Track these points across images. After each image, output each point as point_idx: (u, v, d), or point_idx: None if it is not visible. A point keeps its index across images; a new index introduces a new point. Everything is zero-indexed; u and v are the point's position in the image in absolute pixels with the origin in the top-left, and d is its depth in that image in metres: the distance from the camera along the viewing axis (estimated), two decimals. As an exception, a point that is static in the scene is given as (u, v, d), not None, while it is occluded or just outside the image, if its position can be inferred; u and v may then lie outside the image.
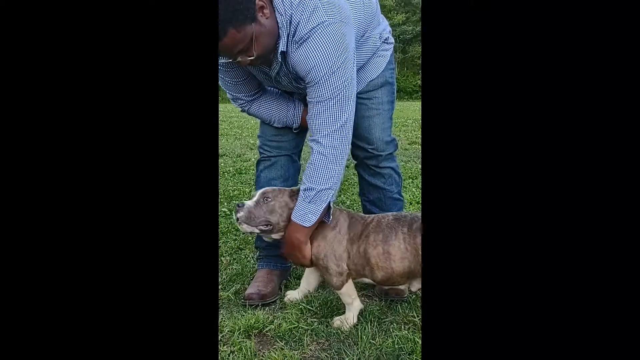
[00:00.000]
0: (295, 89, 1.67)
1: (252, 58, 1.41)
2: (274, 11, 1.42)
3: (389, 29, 1.83)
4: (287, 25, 1.43)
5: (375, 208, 1.96)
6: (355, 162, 1.99)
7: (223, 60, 1.51)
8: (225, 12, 1.28)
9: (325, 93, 1.47)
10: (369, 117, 1.81)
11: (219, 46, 1.34)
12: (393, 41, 1.86)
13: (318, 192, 1.53)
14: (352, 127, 1.55)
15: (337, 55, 1.44)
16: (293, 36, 1.45)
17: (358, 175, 2.00)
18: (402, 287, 1.67)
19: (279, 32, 1.44)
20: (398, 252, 1.52)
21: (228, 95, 1.76)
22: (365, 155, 1.87)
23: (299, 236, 1.57)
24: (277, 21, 1.42)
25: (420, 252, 1.47)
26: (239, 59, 1.41)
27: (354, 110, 1.54)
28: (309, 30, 1.42)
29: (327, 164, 1.52)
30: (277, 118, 1.77)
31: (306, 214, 1.54)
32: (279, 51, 1.46)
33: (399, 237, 1.52)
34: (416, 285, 1.58)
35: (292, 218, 1.57)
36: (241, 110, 1.81)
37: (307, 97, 1.53)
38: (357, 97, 1.79)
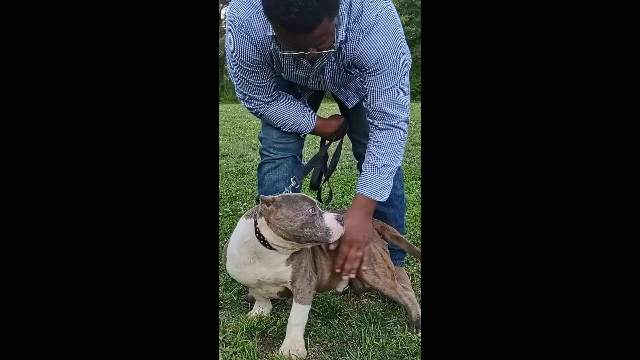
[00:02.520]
0: (331, 81, 1.63)
1: (327, 51, 1.39)
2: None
3: None
4: (346, 13, 1.41)
5: (379, 205, 1.94)
6: (358, 160, 1.97)
7: (248, 62, 1.49)
8: (323, 2, 1.23)
9: (393, 80, 1.50)
10: None
11: (302, 37, 1.29)
12: None
13: (394, 169, 1.60)
14: None
15: (402, 40, 1.49)
16: (355, 24, 1.43)
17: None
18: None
19: (338, 21, 1.41)
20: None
21: (240, 96, 1.71)
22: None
23: (370, 212, 1.60)
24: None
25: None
26: (310, 50, 1.36)
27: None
28: (374, 16, 1.41)
29: (402, 146, 1.61)
30: (291, 123, 1.75)
31: (383, 188, 1.58)
32: (338, 41, 1.43)
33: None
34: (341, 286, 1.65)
35: (361, 192, 1.58)
36: (250, 111, 1.77)
37: (370, 83, 1.52)
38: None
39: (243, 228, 1.46)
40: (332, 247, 1.54)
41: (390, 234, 1.72)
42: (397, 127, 1.57)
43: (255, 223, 1.40)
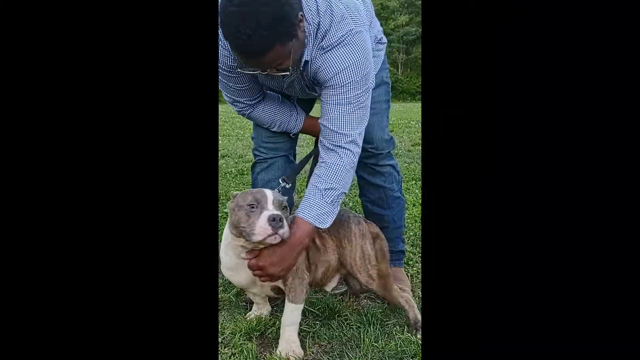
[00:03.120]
0: (304, 95, 1.65)
1: (285, 73, 1.39)
2: (304, 21, 1.39)
3: (381, 29, 1.83)
4: (314, 33, 1.42)
5: (376, 208, 1.93)
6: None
7: (224, 67, 1.49)
8: (271, 30, 1.24)
9: (347, 98, 1.46)
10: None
11: (254, 62, 1.31)
12: (386, 41, 1.86)
13: (340, 194, 1.49)
14: None
15: (365, 62, 1.45)
16: (320, 42, 1.43)
17: (357, 176, 1.95)
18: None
19: (305, 42, 1.41)
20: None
21: (226, 99, 1.73)
22: (364, 154, 1.81)
23: (307, 239, 1.46)
24: (305, 32, 1.39)
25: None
26: (268, 71, 1.38)
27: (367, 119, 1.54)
28: (339, 37, 1.41)
29: (350, 169, 1.51)
30: (279, 123, 1.75)
31: (325, 215, 1.46)
32: (303, 60, 1.44)
33: None
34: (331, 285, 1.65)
35: (302, 217, 1.44)
36: (239, 113, 1.78)
37: (325, 100, 1.49)
38: None
39: (227, 229, 1.44)
40: (247, 256, 1.41)
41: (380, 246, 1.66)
42: (345, 148, 1.48)
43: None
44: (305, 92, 1.62)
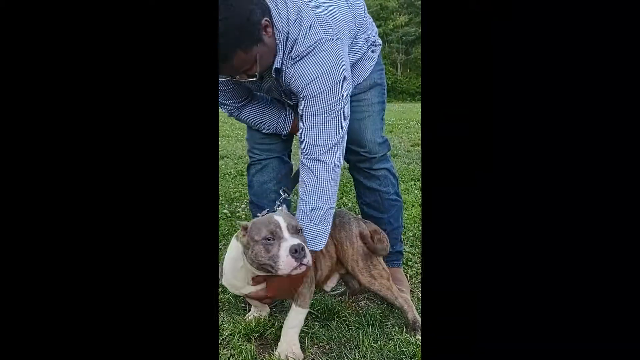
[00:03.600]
0: (285, 98, 1.65)
1: (253, 79, 1.40)
2: (274, 28, 1.40)
3: (375, 30, 1.82)
4: (284, 42, 1.42)
5: (373, 211, 1.92)
6: (349, 166, 1.96)
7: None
8: (231, 34, 1.25)
9: (324, 108, 1.43)
10: (360, 120, 1.76)
11: (221, 67, 1.32)
12: (380, 42, 1.84)
13: (326, 211, 1.46)
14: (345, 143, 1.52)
15: (336, 71, 1.42)
16: (289, 53, 1.43)
17: (353, 179, 1.95)
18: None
19: (276, 49, 1.42)
20: None
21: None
22: (358, 158, 1.82)
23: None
24: (275, 38, 1.41)
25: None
26: (238, 77, 1.40)
27: (347, 126, 1.51)
28: (307, 47, 1.41)
29: (331, 181, 1.46)
30: (267, 125, 1.75)
31: (317, 237, 1.44)
32: (273, 68, 1.44)
33: None
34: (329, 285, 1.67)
35: None
36: (229, 116, 1.78)
37: (300, 111, 1.49)
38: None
39: (235, 252, 1.41)
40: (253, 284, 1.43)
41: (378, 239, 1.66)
42: (319, 161, 1.45)
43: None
44: (285, 97, 1.61)
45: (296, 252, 1.23)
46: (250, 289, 1.45)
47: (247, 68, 1.36)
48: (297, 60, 1.42)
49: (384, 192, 1.88)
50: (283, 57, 1.44)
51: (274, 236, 1.26)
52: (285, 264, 1.24)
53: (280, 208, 1.49)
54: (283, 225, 1.28)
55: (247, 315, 1.67)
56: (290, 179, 1.76)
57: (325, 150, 1.45)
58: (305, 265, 1.25)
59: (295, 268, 1.24)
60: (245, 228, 1.33)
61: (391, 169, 1.91)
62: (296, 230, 1.30)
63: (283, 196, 1.58)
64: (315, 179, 1.45)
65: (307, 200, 1.45)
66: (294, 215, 1.46)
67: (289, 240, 1.25)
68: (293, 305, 1.47)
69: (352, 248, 1.59)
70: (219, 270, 1.49)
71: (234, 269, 1.43)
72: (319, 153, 1.45)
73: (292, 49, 1.42)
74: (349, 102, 1.50)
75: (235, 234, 1.43)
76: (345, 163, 1.93)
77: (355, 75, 1.74)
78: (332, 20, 1.46)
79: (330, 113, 1.44)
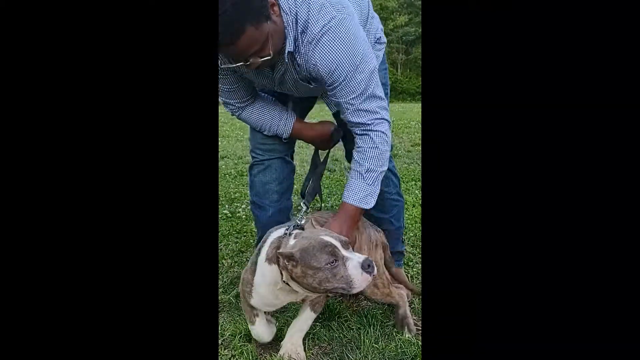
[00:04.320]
0: (297, 90, 1.63)
1: (267, 58, 1.35)
2: (280, 9, 1.38)
3: (381, 27, 1.81)
4: (293, 24, 1.39)
5: (374, 211, 1.87)
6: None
7: (223, 66, 1.49)
8: (239, 10, 1.22)
9: (354, 90, 1.46)
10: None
11: (230, 49, 1.29)
12: (385, 40, 1.84)
13: (379, 173, 1.55)
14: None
15: (356, 48, 1.42)
16: (303, 35, 1.41)
17: None
18: None
19: (284, 32, 1.40)
20: None
21: (220, 100, 1.71)
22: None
23: (356, 219, 1.56)
24: (282, 20, 1.38)
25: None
26: (251, 60, 1.35)
27: (382, 89, 1.54)
28: (320, 27, 1.38)
29: (386, 145, 1.54)
30: (268, 127, 1.74)
31: (367, 196, 1.54)
32: (286, 52, 1.42)
33: None
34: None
35: (346, 201, 1.53)
36: (231, 114, 1.78)
37: (336, 98, 1.50)
38: None
39: (270, 275, 1.34)
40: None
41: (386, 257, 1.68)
42: (374, 131, 1.52)
43: (281, 273, 1.28)
44: (300, 86, 1.59)
45: (369, 267, 1.20)
46: (290, 299, 1.41)
47: (259, 49, 1.33)
48: (315, 44, 1.40)
49: (386, 192, 1.88)
50: (295, 40, 1.42)
51: (336, 258, 1.20)
52: (362, 281, 1.20)
53: (303, 221, 1.44)
54: (337, 244, 1.23)
55: (253, 328, 1.52)
56: (308, 193, 1.72)
57: (376, 120, 1.51)
58: (375, 275, 1.24)
59: (371, 282, 1.24)
60: (290, 257, 1.23)
61: (393, 169, 1.91)
62: (347, 244, 1.26)
63: (304, 209, 1.53)
64: (372, 143, 1.53)
65: (362, 163, 1.54)
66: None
67: (354, 258, 1.22)
68: (308, 310, 1.47)
69: (370, 255, 1.57)
70: (243, 291, 1.43)
71: (272, 293, 1.36)
72: (372, 126, 1.51)
73: (304, 30, 1.40)
74: (377, 72, 1.52)
75: (266, 256, 1.35)
76: (347, 164, 1.93)
77: None
78: (340, 1, 1.45)
79: (365, 90, 1.46)
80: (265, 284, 1.36)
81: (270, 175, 1.83)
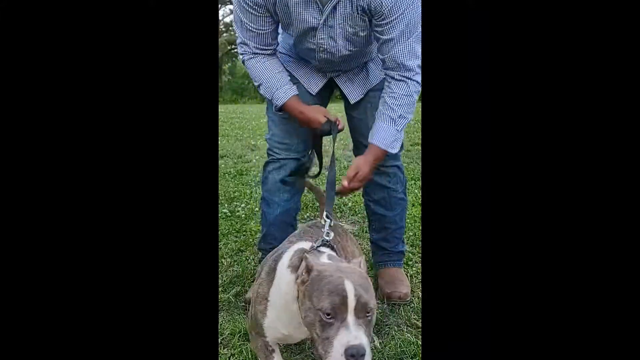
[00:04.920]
0: (339, 38, 1.59)
1: None
2: None
3: None
4: None
5: (380, 208, 1.92)
6: None
7: (249, 2, 1.50)
8: None
9: (409, 27, 1.49)
10: None
11: None
12: None
13: (408, 121, 1.61)
14: None
15: None
16: None
17: None
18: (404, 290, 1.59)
19: None
20: None
21: (237, 40, 1.68)
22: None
23: (379, 160, 1.63)
24: None
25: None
26: None
27: None
28: None
29: (417, 95, 1.59)
30: (268, 85, 1.68)
31: (395, 141, 1.60)
32: None
33: None
34: None
35: (375, 143, 1.59)
36: (240, 57, 1.74)
37: (386, 35, 1.52)
38: (366, 97, 1.79)
39: (288, 287, 1.11)
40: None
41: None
42: (413, 80, 1.56)
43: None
44: (348, 25, 1.55)
45: (353, 357, 0.92)
46: (298, 330, 1.14)
47: None
48: None
49: (393, 190, 1.89)
50: None
51: (336, 314, 0.95)
52: None
53: (331, 236, 1.28)
54: (351, 300, 0.95)
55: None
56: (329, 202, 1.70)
57: (417, 72, 1.55)
58: None
59: None
60: (309, 271, 1.03)
61: (401, 167, 1.92)
62: (365, 310, 0.97)
63: (328, 222, 1.35)
64: (408, 91, 1.57)
65: (396, 109, 1.58)
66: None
67: (351, 332, 0.94)
68: None
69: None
70: (255, 313, 1.21)
71: (289, 312, 1.12)
72: (412, 74, 1.56)
73: None
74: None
75: (290, 262, 1.15)
76: (351, 163, 1.92)
77: (378, 72, 1.77)
78: None
79: (416, 32, 1.50)
80: (282, 297, 1.14)
81: (284, 174, 1.82)
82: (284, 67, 1.72)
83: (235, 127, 8.04)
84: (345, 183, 1.60)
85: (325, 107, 1.86)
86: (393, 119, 1.58)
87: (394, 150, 1.62)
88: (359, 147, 1.87)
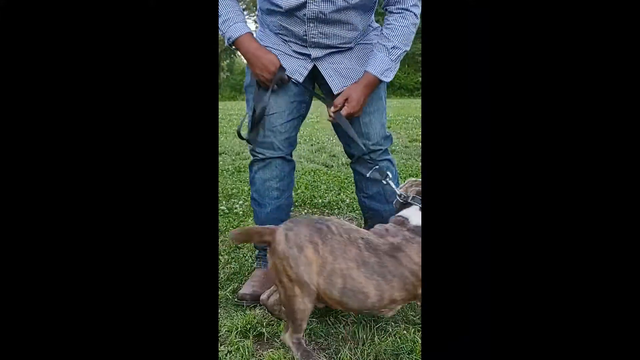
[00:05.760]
0: None
1: None
2: None
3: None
4: None
5: (375, 203, 1.94)
6: (351, 160, 1.97)
7: None
8: None
9: None
10: (370, 113, 1.82)
11: None
12: None
13: (403, 52, 1.68)
14: None
15: None
16: None
17: (355, 173, 1.98)
18: None
19: None
20: None
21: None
22: (363, 152, 1.85)
23: (372, 89, 1.70)
24: None
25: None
26: None
27: None
28: None
29: (413, 28, 1.68)
30: (224, 15, 1.65)
31: (388, 70, 1.68)
32: None
33: None
34: None
35: (368, 70, 1.67)
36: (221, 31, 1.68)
37: None
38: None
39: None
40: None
41: None
42: (410, 11, 1.64)
43: None
44: None
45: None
46: None
47: None
48: None
49: (387, 184, 1.87)
50: None
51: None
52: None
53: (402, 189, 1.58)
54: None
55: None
56: (365, 179, 1.74)
57: (414, 4, 1.64)
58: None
59: None
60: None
61: (392, 160, 1.94)
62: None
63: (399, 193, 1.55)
64: (405, 22, 1.65)
65: (391, 39, 1.66)
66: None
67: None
68: None
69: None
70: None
71: None
72: (410, 4, 1.64)
73: None
74: None
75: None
76: (348, 159, 1.96)
77: (360, 68, 1.77)
78: None
79: None
80: None
81: (270, 173, 1.83)
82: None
83: (233, 124, 8.04)
84: (332, 109, 1.69)
85: (309, 102, 1.88)
86: (387, 48, 1.65)
87: (387, 79, 1.69)
88: (348, 145, 1.91)
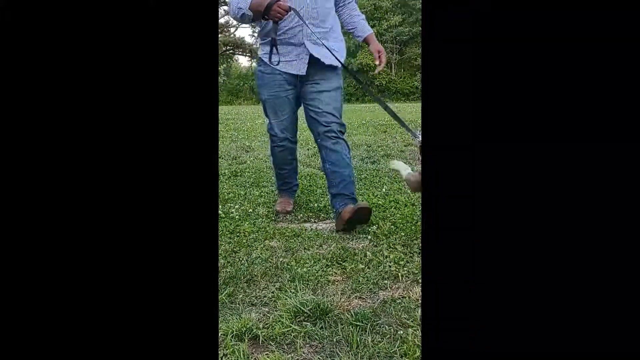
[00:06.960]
0: None
1: None
2: None
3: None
4: None
5: (336, 167, 2.61)
6: (317, 138, 2.66)
7: None
8: None
9: None
10: (329, 91, 2.60)
11: None
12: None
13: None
14: None
15: None
16: None
17: (321, 147, 2.67)
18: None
19: None
20: None
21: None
22: (326, 129, 2.59)
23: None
24: None
25: None
26: None
27: None
28: None
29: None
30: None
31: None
32: None
33: None
34: None
35: (371, 32, 2.76)
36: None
37: None
38: (312, 79, 2.64)
39: None
40: None
41: None
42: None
43: None
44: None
45: None
46: None
47: None
48: None
49: (344, 154, 2.63)
50: None
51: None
52: None
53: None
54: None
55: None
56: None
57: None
58: None
59: None
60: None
61: (345, 139, 2.73)
62: None
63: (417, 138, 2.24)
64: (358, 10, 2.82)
65: (358, 13, 2.81)
66: None
67: None
68: None
69: None
70: None
71: None
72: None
73: None
74: None
75: None
76: (315, 138, 2.74)
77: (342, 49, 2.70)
78: None
79: None
80: None
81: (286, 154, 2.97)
82: (276, 49, 2.56)
83: (230, 129, 8.03)
84: (383, 60, 2.65)
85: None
86: (360, 15, 2.74)
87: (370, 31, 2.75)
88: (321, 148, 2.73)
